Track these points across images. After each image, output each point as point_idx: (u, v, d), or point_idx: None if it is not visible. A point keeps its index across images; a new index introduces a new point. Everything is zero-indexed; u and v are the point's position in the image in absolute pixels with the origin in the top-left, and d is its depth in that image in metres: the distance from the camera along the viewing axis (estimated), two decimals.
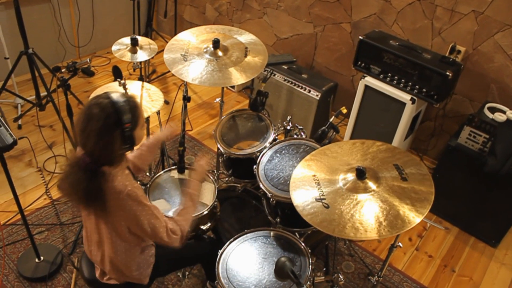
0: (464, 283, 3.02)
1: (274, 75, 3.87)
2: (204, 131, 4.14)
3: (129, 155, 2.27)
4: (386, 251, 3.16)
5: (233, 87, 4.61)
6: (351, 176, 1.88)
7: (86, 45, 4.89)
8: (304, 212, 1.82)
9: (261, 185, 2.27)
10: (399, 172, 1.86)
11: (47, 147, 3.73)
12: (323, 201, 1.83)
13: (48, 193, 3.29)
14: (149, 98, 2.75)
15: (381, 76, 3.42)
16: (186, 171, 2.48)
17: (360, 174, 1.83)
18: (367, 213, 1.73)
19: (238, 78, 2.46)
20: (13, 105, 4.09)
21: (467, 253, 3.24)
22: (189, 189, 2.11)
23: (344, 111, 2.24)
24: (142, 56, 2.87)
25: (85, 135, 1.70)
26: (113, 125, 1.69)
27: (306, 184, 1.95)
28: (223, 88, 3.06)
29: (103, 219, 1.87)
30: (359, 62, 3.52)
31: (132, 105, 1.76)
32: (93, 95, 1.78)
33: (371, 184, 1.83)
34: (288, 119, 2.64)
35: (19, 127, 3.87)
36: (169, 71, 4.79)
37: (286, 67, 3.95)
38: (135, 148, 2.23)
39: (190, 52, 2.60)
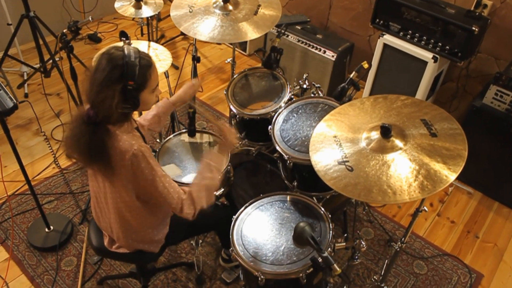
0: (488, 249, 2.90)
1: (287, 36, 3.68)
2: (215, 96, 4.00)
3: (144, 115, 2.15)
4: (407, 217, 3.04)
5: (244, 50, 4.43)
6: (375, 135, 1.74)
7: (92, 10, 4.71)
8: (326, 177, 1.68)
9: (277, 147, 2.14)
10: (427, 128, 1.71)
11: (54, 116, 3.63)
12: (346, 163, 1.68)
13: (56, 162, 3.21)
14: (156, 58, 2.59)
15: (401, 33, 3.23)
16: (197, 134, 2.35)
17: (385, 132, 1.68)
18: (395, 174, 1.59)
19: (251, 33, 2.30)
20: (19, 73, 3.97)
21: (491, 218, 3.11)
22: (210, 161, 1.90)
23: (366, 66, 2.07)
24: (146, 11, 2.71)
25: (90, 85, 1.59)
26: (116, 79, 1.57)
27: (326, 146, 1.81)
28: (234, 48, 2.90)
29: (110, 182, 1.76)
30: (378, 20, 3.32)
31: (144, 64, 1.61)
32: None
33: (398, 143, 1.68)
34: (304, 77, 2.48)
35: (26, 95, 3.76)
36: (178, 36, 4.69)
37: (299, 28, 3.76)
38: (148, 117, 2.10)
39: (198, 6, 2.43)
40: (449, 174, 1.52)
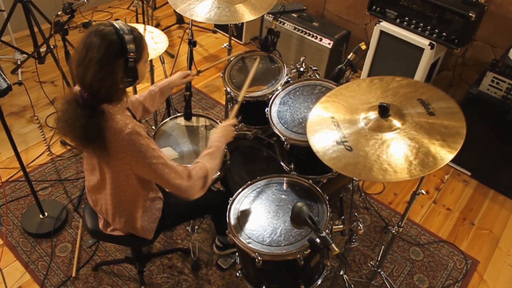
0: (484, 236, 2.90)
1: (283, 23, 3.66)
2: (211, 84, 3.97)
3: (139, 95, 2.13)
4: (403, 204, 3.04)
5: (240, 38, 4.40)
6: (373, 115, 1.72)
7: None
8: (325, 157, 1.66)
9: (274, 129, 2.12)
10: (425, 107, 1.70)
11: (48, 103, 3.59)
12: (345, 143, 1.67)
13: (49, 150, 3.18)
14: (152, 41, 2.56)
15: (398, 20, 3.22)
16: (194, 118, 2.33)
17: (384, 111, 1.67)
18: (395, 153, 1.58)
19: (247, 15, 2.28)
20: (13, 61, 3.93)
21: (486, 206, 3.11)
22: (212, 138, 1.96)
23: (364, 47, 2.06)
24: None
25: (84, 66, 1.54)
26: (116, 54, 1.54)
27: (324, 127, 1.79)
28: (230, 32, 2.86)
29: (106, 163, 1.73)
30: (374, 7, 3.31)
31: (136, 35, 1.61)
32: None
33: (396, 122, 1.67)
34: (301, 60, 2.46)
35: (20, 83, 3.71)
36: (173, 24, 4.66)
37: (296, 16, 3.74)
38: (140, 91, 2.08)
39: None
40: (449, 152, 1.51)
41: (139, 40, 1.62)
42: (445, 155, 1.50)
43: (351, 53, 2.10)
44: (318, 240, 1.64)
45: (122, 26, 1.58)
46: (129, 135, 1.61)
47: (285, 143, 2.06)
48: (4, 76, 2.03)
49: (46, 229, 2.65)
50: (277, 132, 2.11)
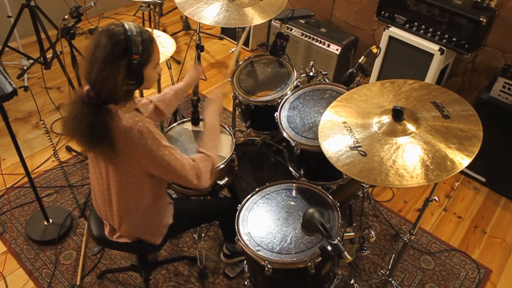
0: (496, 244, 2.84)
1: (291, 29, 3.63)
2: None
3: (152, 97, 2.11)
4: (413, 211, 2.99)
5: (247, 45, 4.37)
6: (386, 119, 1.68)
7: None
8: (339, 163, 1.61)
9: (284, 134, 2.08)
10: (439, 110, 1.65)
11: (54, 109, 3.57)
12: (358, 149, 1.62)
13: (56, 155, 3.14)
14: (160, 45, 2.53)
15: (407, 26, 3.19)
16: (201, 123, 2.29)
17: (397, 114, 1.63)
18: (410, 158, 1.53)
19: (256, 18, 2.25)
20: (19, 67, 3.91)
21: (498, 213, 3.05)
22: (206, 117, 1.99)
23: (375, 50, 2.02)
24: None
25: (91, 64, 1.54)
26: (120, 54, 1.52)
27: (336, 132, 1.74)
28: (238, 35, 2.82)
29: (113, 165, 1.69)
30: (383, 12, 3.28)
31: (145, 38, 1.58)
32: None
33: (410, 125, 1.62)
34: (311, 64, 2.43)
35: (25, 89, 3.70)
36: (179, 31, 4.64)
37: (303, 21, 3.72)
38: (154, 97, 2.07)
39: None
40: (466, 156, 1.46)
41: (147, 43, 1.59)
42: (463, 159, 1.45)
43: (362, 57, 2.06)
44: (329, 247, 1.60)
45: (132, 27, 1.55)
46: (140, 133, 1.58)
47: (295, 148, 2.01)
48: (10, 80, 2.00)
49: (50, 236, 2.62)
50: (287, 137, 2.07)
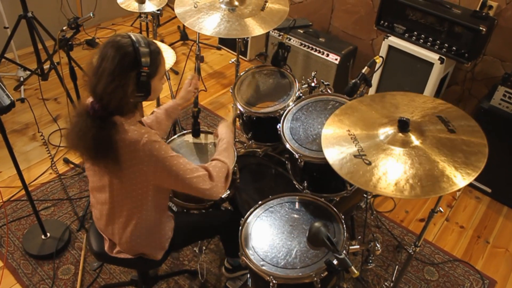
0: (499, 254, 2.81)
1: (290, 39, 3.62)
2: (216, 101, 3.92)
3: (145, 118, 2.07)
4: (415, 222, 2.96)
5: (245, 55, 4.36)
6: (392, 130, 1.66)
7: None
8: (342, 170, 1.59)
9: (287, 145, 2.05)
10: (444, 124, 1.64)
11: (51, 121, 3.53)
12: (363, 157, 1.60)
13: (54, 167, 3.10)
14: None
15: (406, 35, 3.18)
16: (202, 135, 2.27)
17: (403, 125, 1.61)
18: (416, 169, 1.51)
19: (257, 29, 2.23)
20: (15, 78, 3.88)
21: (500, 223, 3.03)
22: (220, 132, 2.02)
23: (378, 60, 2.00)
24: (150, 6, 2.64)
25: (97, 76, 1.50)
26: (129, 66, 1.49)
27: (340, 140, 1.72)
28: (238, 47, 2.80)
29: (118, 178, 1.66)
30: (382, 21, 3.27)
31: (153, 49, 1.56)
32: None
33: (416, 137, 1.61)
34: (312, 75, 2.41)
35: (22, 100, 3.66)
36: (177, 41, 4.63)
37: (302, 31, 3.71)
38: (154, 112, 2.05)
39: (204, 1, 2.36)
40: (471, 173, 1.45)
41: (155, 55, 1.56)
42: (468, 174, 1.44)
43: (366, 67, 2.04)
44: (335, 261, 1.57)
45: (139, 38, 1.53)
46: (146, 145, 1.55)
47: (299, 160, 1.98)
48: (7, 92, 1.97)
49: (48, 251, 2.57)
50: (290, 149, 2.04)
